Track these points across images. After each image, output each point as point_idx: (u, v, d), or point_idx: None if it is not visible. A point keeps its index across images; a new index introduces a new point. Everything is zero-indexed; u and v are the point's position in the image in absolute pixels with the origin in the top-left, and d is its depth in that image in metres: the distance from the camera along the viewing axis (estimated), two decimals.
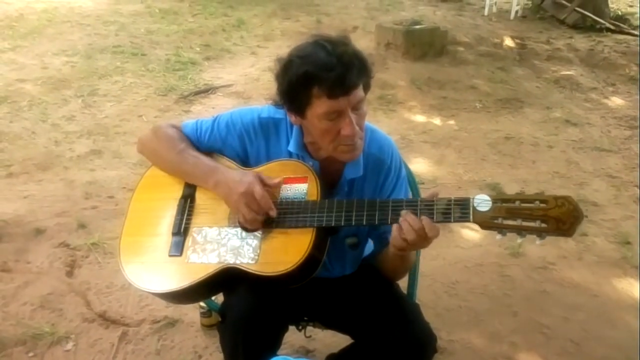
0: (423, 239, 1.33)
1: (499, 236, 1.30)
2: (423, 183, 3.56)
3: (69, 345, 2.27)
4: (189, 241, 1.52)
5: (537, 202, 1.26)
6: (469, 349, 2.34)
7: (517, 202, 1.28)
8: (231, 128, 1.59)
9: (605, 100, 5.63)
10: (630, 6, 9.97)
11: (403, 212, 1.34)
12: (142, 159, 1.70)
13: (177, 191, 1.60)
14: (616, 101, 5.61)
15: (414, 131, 4.62)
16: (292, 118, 1.48)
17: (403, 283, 1.80)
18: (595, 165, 4.15)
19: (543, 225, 1.24)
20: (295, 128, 1.53)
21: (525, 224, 1.26)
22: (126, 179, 3.56)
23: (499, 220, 1.28)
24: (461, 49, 6.80)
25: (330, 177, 1.56)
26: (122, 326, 2.39)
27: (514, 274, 2.85)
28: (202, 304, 2.26)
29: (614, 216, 3.42)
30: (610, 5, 9.21)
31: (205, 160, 1.57)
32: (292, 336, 2.08)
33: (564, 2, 8.60)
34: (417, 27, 6.55)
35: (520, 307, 2.61)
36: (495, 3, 9.21)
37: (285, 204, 1.47)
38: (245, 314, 1.46)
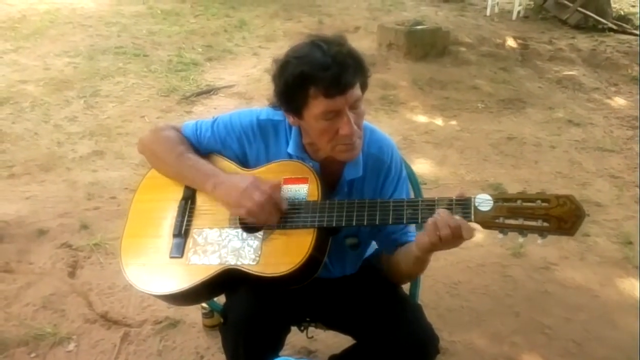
0: (457, 238, 1.29)
1: (500, 235, 1.29)
2: (425, 183, 3.56)
3: (71, 346, 2.28)
4: (189, 243, 1.52)
5: (539, 201, 1.25)
6: (470, 349, 2.34)
7: (519, 202, 1.27)
8: (230, 130, 1.59)
9: (608, 101, 5.62)
10: (633, 6, 9.94)
11: (439, 210, 1.32)
12: (144, 159, 1.71)
13: (178, 192, 1.60)
14: (619, 101, 5.60)
15: (416, 132, 4.62)
16: (290, 119, 1.48)
17: (405, 284, 1.80)
18: (598, 166, 4.14)
19: (545, 224, 1.24)
20: (294, 130, 1.53)
21: (527, 223, 1.26)
22: (128, 179, 3.57)
23: (501, 220, 1.27)
24: (463, 49, 6.80)
25: (330, 177, 1.56)
26: (124, 327, 2.39)
27: (516, 275, 2.84)
28: (204, 304, 2.26)
29: (616, 216, 3.42)
30: (613, 5, 9.19)
31: (203, 164, 1.56)
32: (294, 337, 2.08)
33: (566, 2, 8.58)
34: (419, 27, 6.55)
35: (522, 307, 2.61)
36: (497, 3, 9.20)
37: (286, 205, 1.47)
38: (246, 316, 1.47)
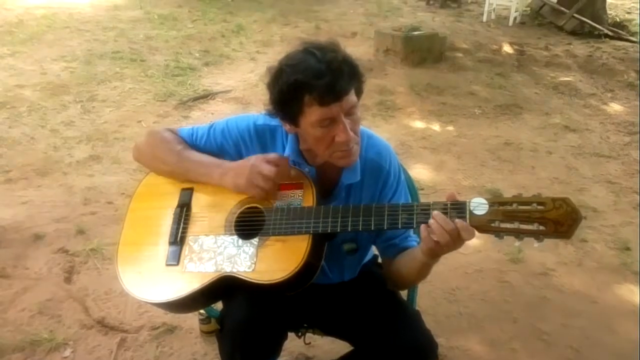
0: (456, 241, 1.28)
1: (496, 239, 1.28)
2: (422, 189, 3.56)
3: (67, 352, 2.26)
4: (185, 250, 1.51)
5: (535, 204, 1.24)
6: (468, 355, 2.34)
7: (515, 205, 1.26)
8: (227, 135, 1.59)
9: (604, 107, 5.64)
10: (628, 13, 10.02)
11: (434, 213, 1.30)
12: (143, 166, 1.70)
13: (173, 200, 1.60)
14: (615, 107, 5.63)
15: (413, 137, 4.62)
16: (286, 127, 1.48)
17: (406, 289, 1.80)
18: (595, 171, 4.15)
19: (541, 227, 1.23)
20: (290, 135, 1.53)
21: (522, 226, 1.24)
22: (125, 184, 3.56)
23: (496, 224, 1.26)
24: (460, 55, 6.83)
25: (327, 182, 1.56)
26: (121, 332, 2.38)
27: (514, 280, 2.84)
28: (201, 310, 2.25)
29: (614, 222, 3.42)
30: (609, 12, 9.25)
31: (205, 156, 1.57)
32: (292, 343, 2.06)
33: (562, 8, 8.63)
34: (416, 33, 6.58)
35: (520, 313, 2.60)
36: (494, 9, 9.26)
37: (281, 211, 1.46)
38: (242, 322, 1.46)
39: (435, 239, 1.28)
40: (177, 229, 1.54)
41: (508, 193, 3.71)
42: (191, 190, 1.59)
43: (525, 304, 2.67)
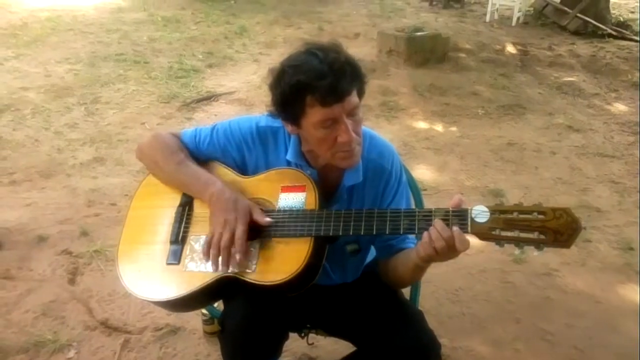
0: (452, 250, 1.29)
1: (496, 247, 1.29)
2: (425, 190, 3.56)
3: (71, 353, 2.27)
4: (186, 249, 1.51)
5: (535, 213, 1.25)
6: (472, 356, 2.33)
7: (515, 214, 1.27)
8: (229, 137, 1.59)
9: (608, 106, 5.63)
10: (632, 12, 9.99)
11: (434, 221, 1.31)
12: (144, 166, 1.71)
13: (175, 199, 1.60)
14: (619, 107, 5.61)
15: (416, 138, 4.62)
16: (288, 128, 1.48)
17: (406, 290, 1.80)
18: (598, 171, 4.14)
19: (541, 236, 1.24)
20: (293, 137, 1.53)
21: (523, 235, 1.26)
22: (129, 186, 3.56)
23: (497, 232, 1.27)
24: (463, 55, 6.82)
25: (329, 184, 1.56)
26: (124, 334, 2.38)
27: (517, 281, 2.84)
28: (204, 311, 2.25)
29: (617, 222, 3.41)
30: (612, 12, 9.23)
31: (202, 173, 1.56)
32: (295, 343, 2.07)
33: (565, 8, 8.62)
34: (419, 33, 6.58)
35: (523, 314, 2.60)
36: (497, 10, 9.24)
37: (283, 213, 1.46)
38: (243, 323, 1.46)
39: (433, 245, 1.30)
40: (179, 228, 1.54)
41: (511, 193, 3.74)
42: None
43: (528, 305, 2.67)
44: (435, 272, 2.78)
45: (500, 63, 6.78)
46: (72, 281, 2.71)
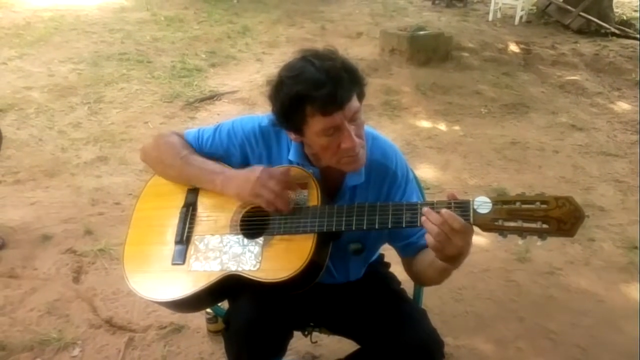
0: (452, 234, 1.26)
1: (499, 238, 1.29)
2: (428, 188, 3.56)
3: (76, 351, 2.28)
4: (191, 249, 1.52)
5: (538, 202, 1.24)
6: (475, 354, 2.34)
7: (518, 204, 1.26)
8: (232, 137, 1.59)
9: (611, 105, 5.62)
10: (635, 11, 9.95)
11: (424, 210, 1.30)
12: (150, 167, 1.72)
13: (179, 200, 1.61)
14: (622, 106, 5.60)
15: (419, 137, 4.62)
16: (291, 136, 1.48)
17: (409, 289, 1.80)
18: (602, 170, 4.14)
19: (544, 226, 1.23)
20: None
21: (526, 225, 1.25)
22: (132, 185, 3.58)
23: (500, 222, 1.26)
24: (466, 54, 6.81)
25: (331, 184, 1.56)
26: (129, 332, 2.39)
27: (520, 280, 2.84)
28: (208, 310, 2.26)
29: (621, 221, 3.41)
30: (615, 10, 9.21)
31: (209, 163, 1.57)
32: (298, 342, 2.08)
33: (568, 7, 8.59)
34: (422, 32, 6.57)
35: (526, 312, 2.60)
36: (500, 8, 9.22)
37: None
38: (248, 322, 1.46)
39: (432, 234, 1.28)
40: (183, 228, 1.55)
41: (514, 192, 3.70)
42: (197, 190, 1.60)
43: (531, 303, 2.67)
44: None
45: (503, 62, 6.77)
46: (76, 280, 2.73)
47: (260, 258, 1.43)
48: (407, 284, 1.77)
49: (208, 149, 1.62)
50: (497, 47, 7.26)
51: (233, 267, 1.44)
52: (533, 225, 1.24)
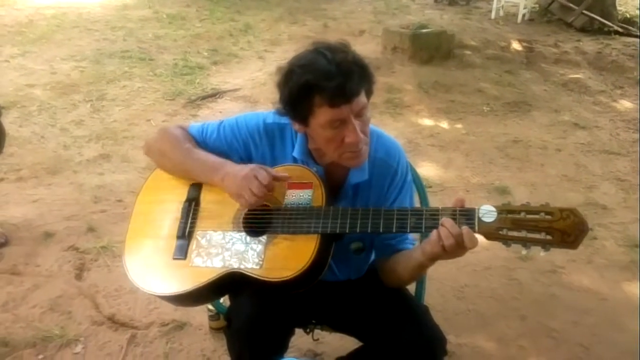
0: (460, 247, 1.29)
1: (503, 247, 1.30)
2: (431, 187, 3.56)
3: (78, 348, 2.28)
4: (193, 245, 1.52)
5: (543, 213, 1.25)
6: (477, 352, 2.33)
7: (523, 214, 1.27)
8: (236, 133, 1.59)
9: (614, 104, 5.60)
10: (638, 9, 9.92)
11: (443, 220, 1.31)
12: (151, 163, 1.72)
13: (182, 194, 1.61)
14: (625, 104, 5.59)
15: (421, 135, 4.62)
16: (296, 126, 1.48)
17: (411, 286, 1.80)
18: (604, 169, 4.13)
19: (548, 237, 1.24)
20: (299, 134, 1.53)
21: (530, 235, 1.26)
22: (135, 182, 3.57)
23: (504, 232, 1.27)
24: (468, 52, 6.80)
25: (335, 181, 1.56)
26: (131, 329, 2.40)
27: (523, 278, 2.84)
28: (210, 307, 2.27)
29: (623, 219, 3.41)
30: (618, 8, 9.18)
31: (212, 157, 1.56)
32: (300, 339, 2.08)
33: (571, 5, 8.58)
34: (424, 30, 6.56)
35: (528, 311, 2.60)
36: (502, 6, 9.20)
37: (290, 210, 1.47)
38: (250, 319, 1.47)
39: (442, 243, 1.30)
40: (185, 223, 1.55)
41: (517, 191, 3.73)
42: (200, 185, 1.60)
43: (533, 302, 2.67)
44: (440, 270, 2.79)
45: (505, 60, 6.75)
46: (78, 277, 2.73)
47: (263, 256, 1.43)
48: None
49: (212, 144, 1.62)
50: (500, 45, 7.25)
51: (235, 265, 1.44)
52: (537, 235, 1.25)
